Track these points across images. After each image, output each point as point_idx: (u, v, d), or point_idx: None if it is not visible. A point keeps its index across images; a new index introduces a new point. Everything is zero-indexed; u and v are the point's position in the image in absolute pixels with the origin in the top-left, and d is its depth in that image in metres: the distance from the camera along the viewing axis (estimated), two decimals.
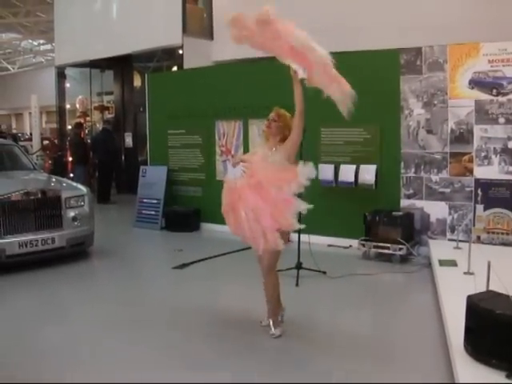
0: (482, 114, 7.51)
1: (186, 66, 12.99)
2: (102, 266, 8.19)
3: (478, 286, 4.50)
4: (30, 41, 29.11)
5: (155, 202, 10.75)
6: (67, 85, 18.46)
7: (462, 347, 3.98)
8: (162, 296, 6.49)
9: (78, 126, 15.84)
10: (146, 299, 6.32)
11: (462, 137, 7.66)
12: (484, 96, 7.50)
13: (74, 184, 8.74)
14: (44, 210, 7.58)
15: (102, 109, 18.16)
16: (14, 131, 30.98)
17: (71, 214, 7.86)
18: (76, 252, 8.07)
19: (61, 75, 18.04)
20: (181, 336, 5.13)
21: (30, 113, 25.47)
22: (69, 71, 18.04)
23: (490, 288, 4.29)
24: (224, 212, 5.12)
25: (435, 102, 7.82)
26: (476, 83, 7.54)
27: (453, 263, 6.51)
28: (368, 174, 8.30)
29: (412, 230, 7.88)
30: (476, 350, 3.82)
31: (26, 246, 7.29)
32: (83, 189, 8.37)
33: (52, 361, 4.70)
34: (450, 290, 5.46)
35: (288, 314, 5.29)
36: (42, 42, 29.17)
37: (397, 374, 4.30)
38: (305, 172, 4.77)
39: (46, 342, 5.08)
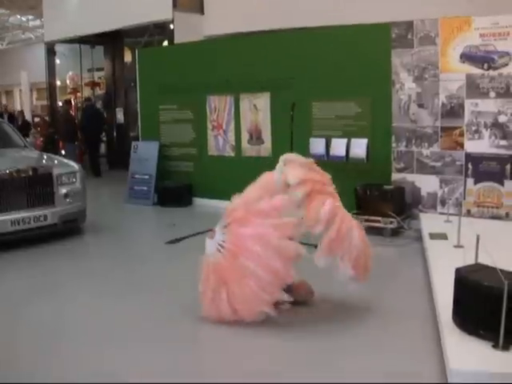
0: (473, 88, 7.50)
1: (176, 40, 12.90)
2: (94, 242, 8.22)
3: (467, 259, 4.54)
4: (19, 16, 28.74)
5: (147, 177, 10.76)
6: (57, 61, 18.29)
7: (451, 318, 4.03)
8: (156, 270, 6.53)
9: (67, 102, 15.77)
10: (140, 274, 6.36)
11: (453, 111, 7.67)
12: (475, 70, 7.47)
13: (66, 161, 8.72)
14: (36, 187, 7.57)
15: (93, 85, 18.07)
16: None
17: (63, 190, 7.85)
18: (68, 229, 8.08)
19: (50, 51, 17.86)
20: (174, 310, 5.17)
21: (20, 90, 25.26)
22: (59, 47, 17.86)
23: (479, 261, 4.33)
24: (213, 292, 4.71)
25: (426, 76, 7.81)
26: (467, 57, 7.53)
27: (443, 236, 6.55)
28: (359, 147, 8.33)
29: (403, 204, 7.91)
30: (464, 321, 3.87)
31: (19, 223, 7.30)
32: (75, 165, 8.35)
33: (44, 335, 4.75)
34: (440, 263, 5.51)
35: None
36: (30, 17, 28.77)
37: (385, 344, 4.37)
38: None
39: (39, 317, 5.11)
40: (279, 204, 4.70)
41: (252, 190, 4.88)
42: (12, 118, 20.34)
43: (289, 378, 3.89)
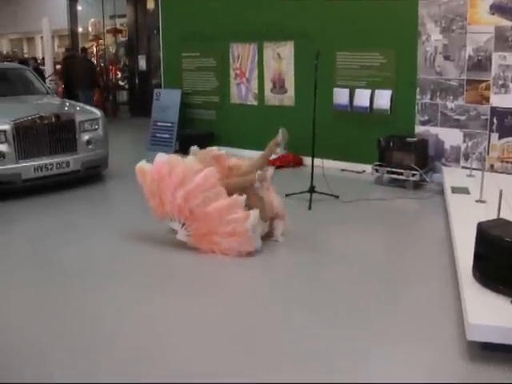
0: (502, 41, 7.32)
1: None
2: (116, 189, 8.28)
3: (489, 214, 4.52)
4: None
5: (169, 125, 10.77)
6: (79, 8, 18.12)
7: (471, 273, 4.04)
8: None
9: (83, 50, 15.66)
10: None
11: (480, 64, 7.51)
12: (505, 22, 7.26)
13: (88, 107, 8.73)
14: (58, 134, 7.61)
15: (115, 32, 17.89)
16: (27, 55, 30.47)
17: (85, 137, 7.89)
18: (91, 175, 8.16)
19: None
20: (192, 253, 5.26)
21: (41, 37, 25.06)
22: None
23: (501, 216, 4.31)
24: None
25: (454, 28, 7.63)
26: (497, 9, 7.32)
27: (465, 191, 6.52)
28: (383, 99, 8.25)
29: (426, 157, 7.84)
30: (484, 276, 3.87)
31: (41, 170, 7.37)
32: (97, 112, 8.37)
33: (68, 275, 4.90)
34: (462, 217, 5.47)
35: (300, 233, 5.67)
36: None
37: (404, 297, 4.41)
38: None
39: (63, 260, 5.27)
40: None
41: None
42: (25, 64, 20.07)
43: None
